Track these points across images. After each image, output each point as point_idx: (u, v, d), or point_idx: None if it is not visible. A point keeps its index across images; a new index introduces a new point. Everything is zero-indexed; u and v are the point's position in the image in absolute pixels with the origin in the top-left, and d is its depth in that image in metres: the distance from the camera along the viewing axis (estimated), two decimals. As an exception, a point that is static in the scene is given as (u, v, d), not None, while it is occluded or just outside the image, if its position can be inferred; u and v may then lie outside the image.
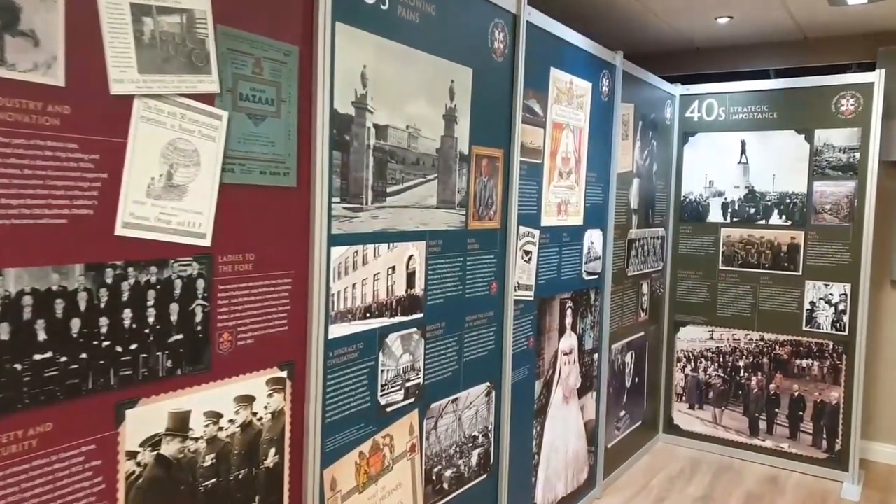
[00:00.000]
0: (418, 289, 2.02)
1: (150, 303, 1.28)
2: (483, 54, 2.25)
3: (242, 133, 1.44)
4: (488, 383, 2.41)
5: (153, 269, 1.28)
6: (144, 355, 1.27)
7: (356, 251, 1.77)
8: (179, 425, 1.33)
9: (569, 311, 2.98)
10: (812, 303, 3.68)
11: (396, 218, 1.91)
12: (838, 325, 3.62)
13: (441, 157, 2.08)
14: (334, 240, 1.69)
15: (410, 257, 1.97)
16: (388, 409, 1.93)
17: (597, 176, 3.14)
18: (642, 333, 3.81)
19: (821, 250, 3.65)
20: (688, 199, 4.04)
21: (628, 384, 3.68)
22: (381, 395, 1.90)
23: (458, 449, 2.26)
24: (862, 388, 3.58)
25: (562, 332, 2.93)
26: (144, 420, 1.27)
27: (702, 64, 4.30)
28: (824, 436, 3.67)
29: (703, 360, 4.02)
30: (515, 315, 2.55)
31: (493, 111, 2.33)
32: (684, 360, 4.07)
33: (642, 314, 3.79)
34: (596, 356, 3.26)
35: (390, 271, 1.90)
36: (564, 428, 2.99)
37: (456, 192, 2.16)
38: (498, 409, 2.47)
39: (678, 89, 4.02)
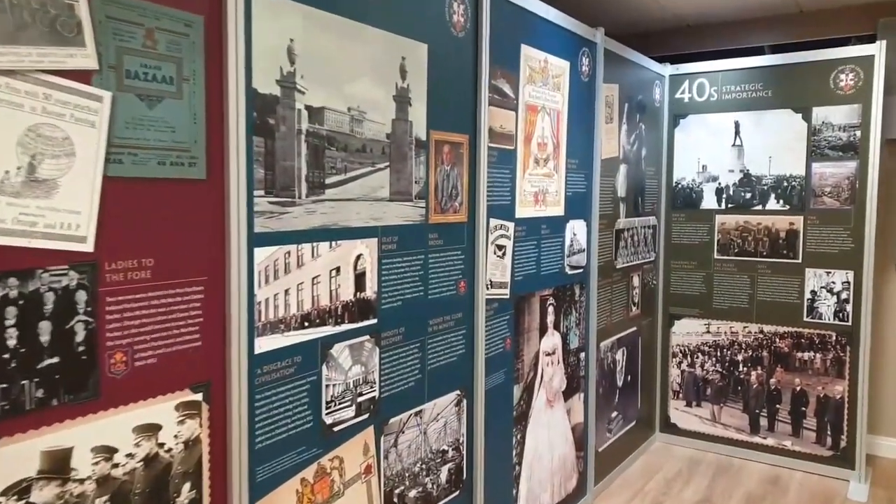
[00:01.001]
0: (370, 292, 1.80)
1: (10, 322, 1.06)
2: (440, 28, 2.03)
3: (132, 117, 1.22)
4: (458, 392, 2.20)
5: (13, 280, 1.06)
6: (3, 385, 1.06)
7: (288, 252, 1.55)
8: (57, 466, 1.12)
9: (550, 309, 2.76)
10: (813, 292, 3.46)
11: (340, 212, 1.69)
12: (841, 314, 3.40)
13: (393, 143, 1.86)
14: (258, 239, 1.47)
15: (359, 257, 1.76)
16: (336, 429, 1.72)
17: (578, 163, 2.91)
18: (634, 329, 3.59)
19: (821, 236, 3.43)
20: (680, 186, 3.81)
21: (620, 383, 3.46)
22: (327, 414, 1.68)
23: (424, 466, 2.05)
24: (867, 380, 3.36)
25: (543, 331, 2.71)
26: (5, 463, 1.06)
27: (692, 42, 4.07)
28: (829, 432, 3.45)
29: (699, 354, 3.80)
30: (488, 315, 2.33)
31: (454, 92, 2.11)
32: (680, 355, 3.86)
33: (634, 308, 3.58)
34: (582, 355, 3.04)
35: (334, 273, 1.68)
36: (549, 434, 2.78)
37: (413, 182, 1.94)
38: (470, 419, 2.26)
39: (667, 69, 3.79)
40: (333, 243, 1.68)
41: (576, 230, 2.93)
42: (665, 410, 3.91)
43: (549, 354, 2.76)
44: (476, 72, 2.19)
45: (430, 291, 2.04)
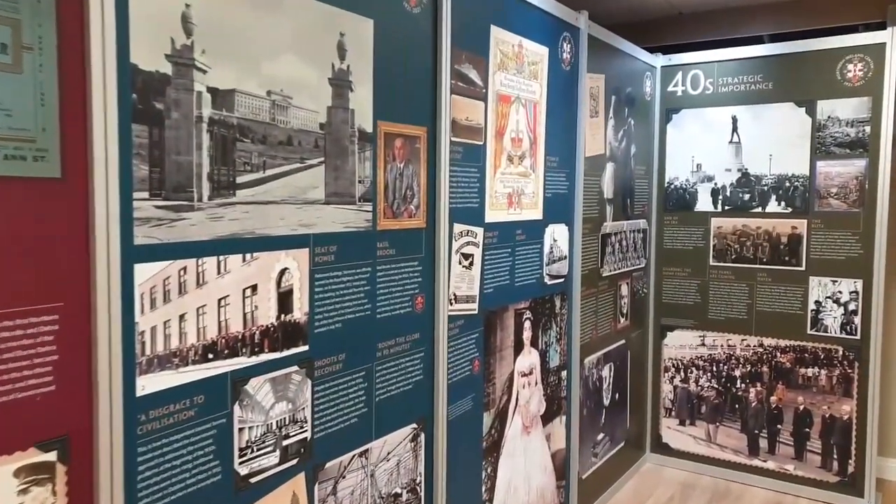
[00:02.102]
0: (299, 313, 1.50)
1: None
2: (389, 2, 1.73)
3: (-58, 95, 0.92)
4: (415, 425, 1.90)
5: None
6: None
7: (184, 268, 1.25)
8: None
9: (527, 324, 2.47)
10: (818, 302, 3.18)
11: (257, 218, 1.39)
12: (849, 327, 3.11)
13: (330, 134, 1.56)
14: (140, 253, 1.17)
15: (283, 271, 1.46)
16: (254, 480, 1.42)
17: (559, 160, 2.62)
18: (623, 342, 3.30)
19: (827, 241, 3.14)
20: (672, 186, 3.52)
21: (607, 401, 3.17)
22: (241, 463, 1.38)
23: (371, 513, 1.75)
24: (878, 399, 3.07)
25: (518, 349, 2.42)
26: None
27: (686, 32, 3.78)
28: (835, 456, 3.17)
29: (693, 369, 3.51)
30: (452, 335, 2.04)
31: (408, 77, 1.81)
32: (673, 369, 3.57)
33: (622, 319, 3.28)
34: (564, 374, 2.74)
35: (248, 292, 1.38)
36: (525, 463, 2.49)
37: (356, 181, 1.64)
38: (430, 455, 1.96)
39: (658, 59, 3.50)
40: (248, 256, 1.38)
41: (556, 235, 2.64)
42: (656, 429, 3.62)
43: (525, 375, 2.47)
44: (435, 54, 1.90)
45: (379, 310, 1.74)
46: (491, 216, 2.22)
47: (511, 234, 2.35)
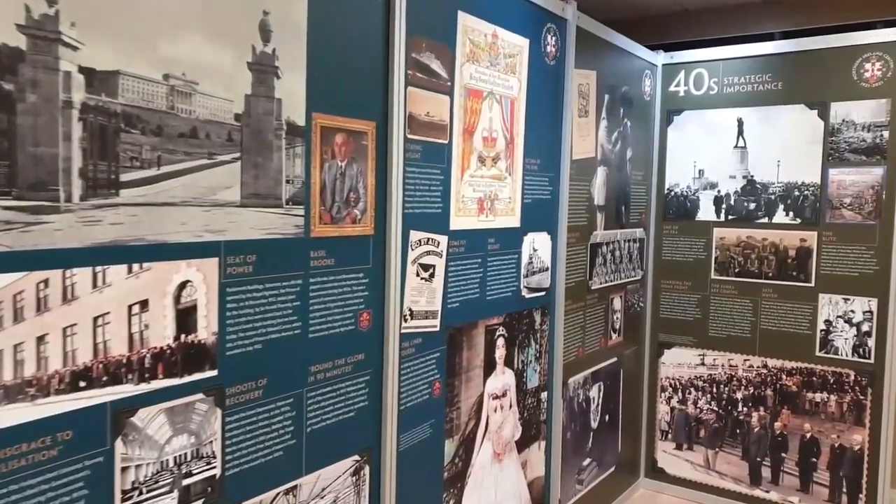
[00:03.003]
0: (205, 333, 1.30)
1: None
2: (329, -21, 1.53)
3: None
4: (357, 456, 1.69)
5: None
6: None
7: (43, 280, 1.05)
8: None
9: (500, 342, 2.25)
10: (828, 322, 2.92)
11: (148, 222, 1.19)
12: (861, 350, 2.86)
13: (249, 127, 1.36)
14: (-23, 263, 0.98)
15: (184, 285, 1.26)
16: (142, 527, 1.22)
17: (541, 163, 2.40)
18: (614, 360, 3.07)
19: (839, 256, 2.89)
20: (672, 193, 3.29)
21: (595, 424, 2.94)
22: (124, 508, 1.18)
23: (300, 558, 1.54)
24: (892, 429, 2.81)
25: (489, 369, 2.20)
26: None
27: (691, 29, 3.54)
28: (844, 489, 2.91)
29: (692, 390, 3.27)
30: (407, 355, 1.83)
31: (353, 65, 1.60)
32: (670, 389, 3.32)
33: (614, 335, 3.05)
34: (544, 395, 2.52)
35: (136, 309, 1.18)
36: (497, 495, 2.26)
37: (282, 181, 1.44)
38: (376, 491, 1.75)
39: (659, 57, 3.27)
40: (136, 267, 1.18)
41: (536, 245, 2.42)
42: (651, 453, 3.38)
43: (497, 397, 2.25)
44: (388, 40, 1.69)
45: (312, 328, 1.53)
46: (457, 223, 2.01)
47: (482, 242, 2.13)
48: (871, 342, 2.83)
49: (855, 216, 2.86)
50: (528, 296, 2.38)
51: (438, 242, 1.93)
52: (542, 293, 2.47)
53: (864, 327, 2.85)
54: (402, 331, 1.80)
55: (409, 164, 1.78)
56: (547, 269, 2.49)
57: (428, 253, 1.89)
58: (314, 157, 1.51)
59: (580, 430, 2.81)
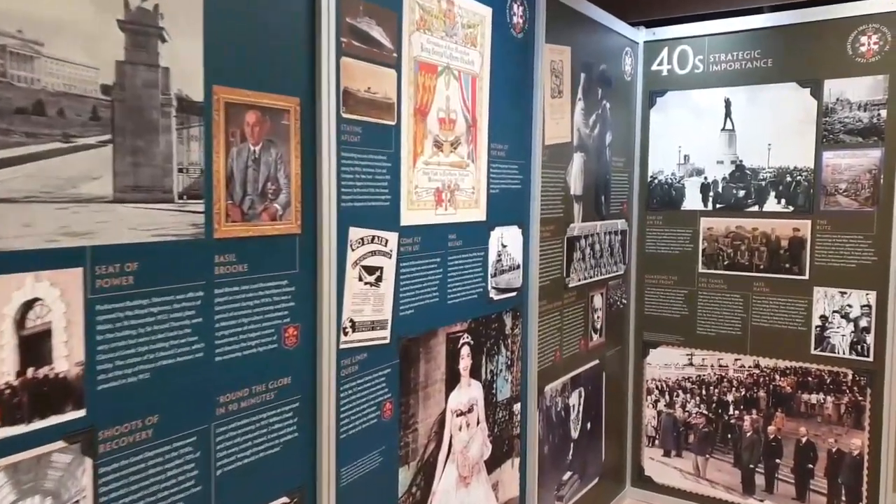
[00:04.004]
0: (66, 364, 1.02)
1: None
2: (233, -79, 1.25)
3: None
4: (286, 499, 1.42)
5: None
6: None
7: None
8: None
9: (465, 350, 1.99)
10: (823, 317, 2.69)
11: (-23, 226, 0.91)
12: (860, 347, 2.63)
13: (122, 102, 1.08)
14: None
15: (30, 304, 0.98)
16: None
17: (509, 149, 2.14)
18: (596, 362, 2.82)
19: (834, 246, 2.66)
20: (656, 181, 3.04)
21: (575, 433, 2.69)
22: None
23: None
24: (893, 433, 2.59)
25: (452, 382, 1.94)
26: None
27: (674, 5, 3.28)
28: (843, 496, 2.69)
29: (680, 392, 3.03)
30: (349, 374, 1.56)
31: (268, 29, 1.33)
32: (656, 392, 3.08)
33: (595, 336, 2.80)
34: (517, 407, 2.26)
35: (-42, 338, 0.90)
36: (463, 522, 2.01)
37: (172, 170, 1.16)
38: (313, 534, 1.48)
39: (641, 33, 3.01)
40: (-44, 283, 0.90)
41: (506, 240, 2.16)
42: (638, 460, 3.14)
43: (462, 414, 1.99)
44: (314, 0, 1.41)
45: (219, 350, 1.26)
46: (410, 218, 1.74)
47: (441, 239, 1.87)
48: (870, 339, 2.61)
49: (851, 203, 2.62)
50: (496, 297, 2.12)
51: (386, 241, 1.66)
52: (513, 294, 2.21)
53: (863, 323, 2.62)
54: (342, 346, 1.53)
55: (345, 148, 1.51)
56: (518, 266, 2.23)
57: (373, 253, 1.62)
58: (217, 140, 1.23)
59: (559, 441, 2.56)
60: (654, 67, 3.01)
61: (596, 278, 2.77)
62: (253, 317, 1.32)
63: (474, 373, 2.03)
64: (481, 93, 1.99)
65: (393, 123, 1.66)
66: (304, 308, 1.43)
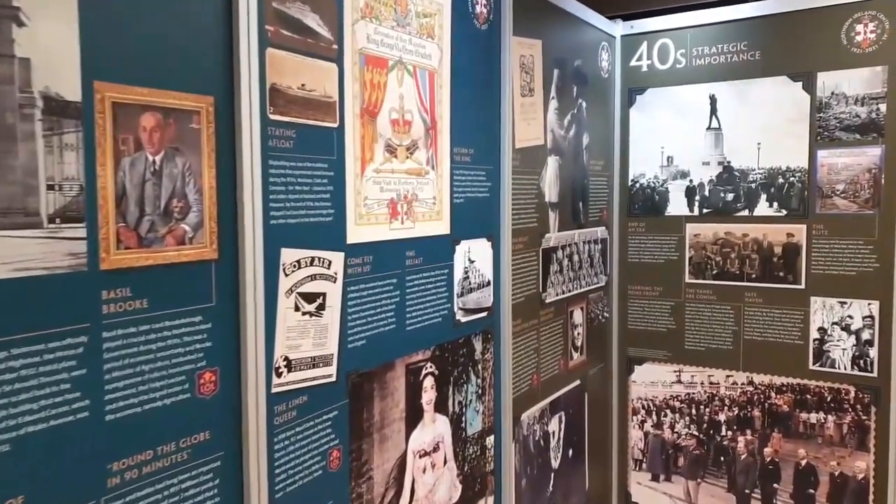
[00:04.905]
0: None
1: None
2: None
3: None
4: (204, 578, 1.18)
5: None
6: None
7: None
8: None
9: (428, 382, 1.76)
10: (822, 330, 2.49)
11: None
12: (862, 361, 2.43)
13: (-39, 103, 0.84)
14: None
15: None
16: None
17: (475, 153, 1.91)
18: (577, 383, 2.60)
19: (832, 252, 2.46)
20: (638, 185, 2.83)
21: (556, 463, 2.46)
22: None
23: None
24: (900, 453, 2.40)
25: (414, 419, 1.71)
26: None
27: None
28: (847, 523, 2.49)
29: (668, 412, 2.82)
30: (286, 421, 1.32)
31: (171, 9, 1.09)
32: (643, 412, 2.87)
33: (576, 355, 2.58)
34: (490, 440, 2.04)
35: None
36: (430, 576, 1.77)
37: (39, 186, 0.92)
38: None
39: (618, 27, 2.80)
40: None
41: (473, 254, 1.93)
42: (624, 485, 2.92)
43: (426, 454, 1.75)
44: (227, -21, 1.18)
45: (110, 407, 1.02)
46: (359, 234, 1.50)
47: (397, 257, 1.64)
48: (874, 352, 2.41)
49: (850, 205, 2.43)
50: (464, 319, 1.90)
51: (329, 262, 1.42)
52: (483, 314, 1.98)
53: (865, 335, 2.42)
54: (275, 390, 1.29)
55: (275, 155, 1.28)
56: (488, 283, 2.01)
57: (313, 277, 1.38)
58: (101, 150, 0.99)
59: (538, 473, 2.33)
60: (633, 63, 2.80)
61: (575, 292, 2.55)
62: (156, 363, 1.08)
63: (440, 406, 1.80)
64: (441, 91, 1.77)
65: (335, 126, 1.43)
66: (223, 348, 1.19)
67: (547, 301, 2.35)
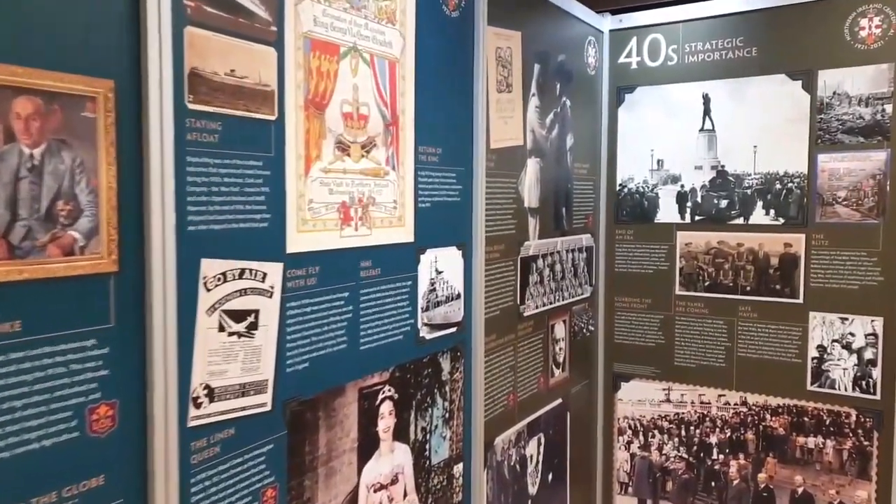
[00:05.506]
0: None
1: None
2: None
3: None
4: None
5: None
6: None
7: None
8: None
9: (386, 407, 1.58)
10: (821, 347, 2.32)
11: None
12: (864, 382, 2.26)
13: None
14: None
15: None
16: None
17: (444, 153, 1.74)
18: (559, 402, 2.42)
19: (833, 264, 2.29)
20: (626, 190, 2.66)
21: (534, 488, 2.29)
22: None
23: None
24: (904, 481, 2.22)
25: (369, 449, 1.53)
26: None
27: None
28: (846, 555, 2.31)
29: (656, 432, 2.64)
30: (207, 458, 1.14)
31: (51, -23, 0.91)
32: (629, 432, 2.69)
33: (557, 371, 2.41)
34: (458, 468, 1.85)
35: None
36: None
37: None
38: None
39: (606, 21, 2.63)
40: None
41: (441, 264, 1.75)
42: (610, 510, 2.75)
43: (382, 487, 1.57)
44: (131, -59, 1.00)
45: (-34, 452, 0.83)
46: (302, 242, 1.32)
47: (349, 268, 1.46)
48: (877, 373, 2.24)
49: (852, 213, 2.26)
50: (429, 336, 1.72)
51: (264, 274, 1.24)
52: (452, 330, 1.81)
53: (868, 354, 2.25)
54: (192, 423, 1.11)
55: (195, 151, 1.10)
56: (458, 296, 1.83)
57: (242, 292, 1.20)
58: (-47, 139, 0.81)
59: (513, 501, 2.16)
60: (622, 60, 2.63)
61: (557, 303, 2.38)
62: (31, 397, 0.90)
63: (399, 434, 1.62)
64: (404, 82, 1.59)
65: (273, 118, 1.25)
66: (124, 377, 1.01)
67: (525, 314, 2.18)
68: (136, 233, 1.02)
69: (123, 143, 0.99)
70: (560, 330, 2.41)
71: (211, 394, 1.14)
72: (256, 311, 1.23)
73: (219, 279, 1.15)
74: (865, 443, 2.26)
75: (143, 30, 1.00)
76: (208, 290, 1.13)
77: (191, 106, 1.09)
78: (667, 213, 2.58)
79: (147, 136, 1.02)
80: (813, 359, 2.33)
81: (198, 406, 1.12)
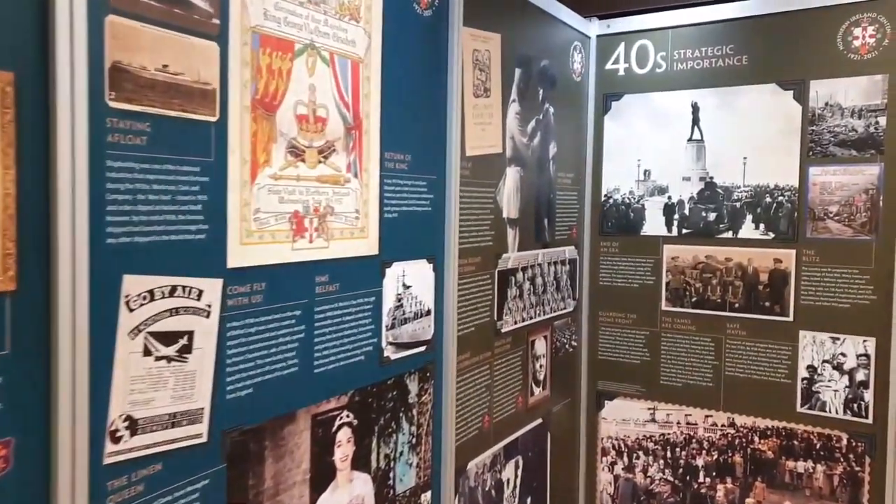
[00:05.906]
0: None
1: None
2: None
3: None
4: None
5: None
6: None
7: None
8: None
9: (344, 435, 1.46)
10: (812, 368, 2.22)
11: None
12: (856, 405, 2.15)
13: None
14: None
15: None
16: None
17: (413, 160, 1.62)
18: (539, 422, 2.31)
19: (824, 281, 2.19)
20: (612, 201, 2.55)
21: (511, 515, 2.17)
22: None
23: None
24: (898, 510, 2.12)
25: (323, 481, 1.40)
26: None
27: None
28: (837, 587, 2.20)
29: (640, 453, 2.53)
30: (128, 498, 1.02)
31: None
32: (613, 453, 2.58)
33: (536, 390, 2.29)
34: (426, 497, 1.73)
35: None
36: None
37: None
38: None
39: (593, 26, 2.53)
40: None
41: (409, 279, 1.64)
42: (591, 534, 2.63)
43: (338, 521, 1.45)
44: (38, -84, 0.89)
45: None
46: (245, 256, 1.21)
47: (303, 283, 1.34)
48: (869, 396, 2.13)
49: (844, 229, 2.16)
50: (395, 356, 1.60)
51: (199, 292, 1.12)
52: (421, 349, 1.69)
53: (859, 376, 2.15)
54: (109, 460, 0.99)
55: (116, 154, 0.98)
56: (428, 312, 1.71)
57: (173, 312, 1.08)
58: None
59: (487, 529, 2.04)
60: (609, 66, 2.53)
61: (537, 319, 2.26)
62: None
63: (359, 463, 1.50)
64: (368, 84, 1.48)
65: (213, 119, 1.13)
66: (22, 411, 0.89)
67: (503, 330, 2.06)
68: (40, 246, 0.90)
69: (25, 145, 0.88)
70: (541, 346, 2.30)
71: (133, 426, 1.02)
72: (190, 333, 1.11)
73: (144, 298, 1.03)
74: (857, 468, 2.15)
75: (52, 16, 0.89)
76: (131, 309, 1.01)
77: (112, 104, 0.97)
78: (653, 225, 2.48)
79: (55, 136, 0.90)
80: (803, 379, 2.23)
81: (116, 440, 1.00)
